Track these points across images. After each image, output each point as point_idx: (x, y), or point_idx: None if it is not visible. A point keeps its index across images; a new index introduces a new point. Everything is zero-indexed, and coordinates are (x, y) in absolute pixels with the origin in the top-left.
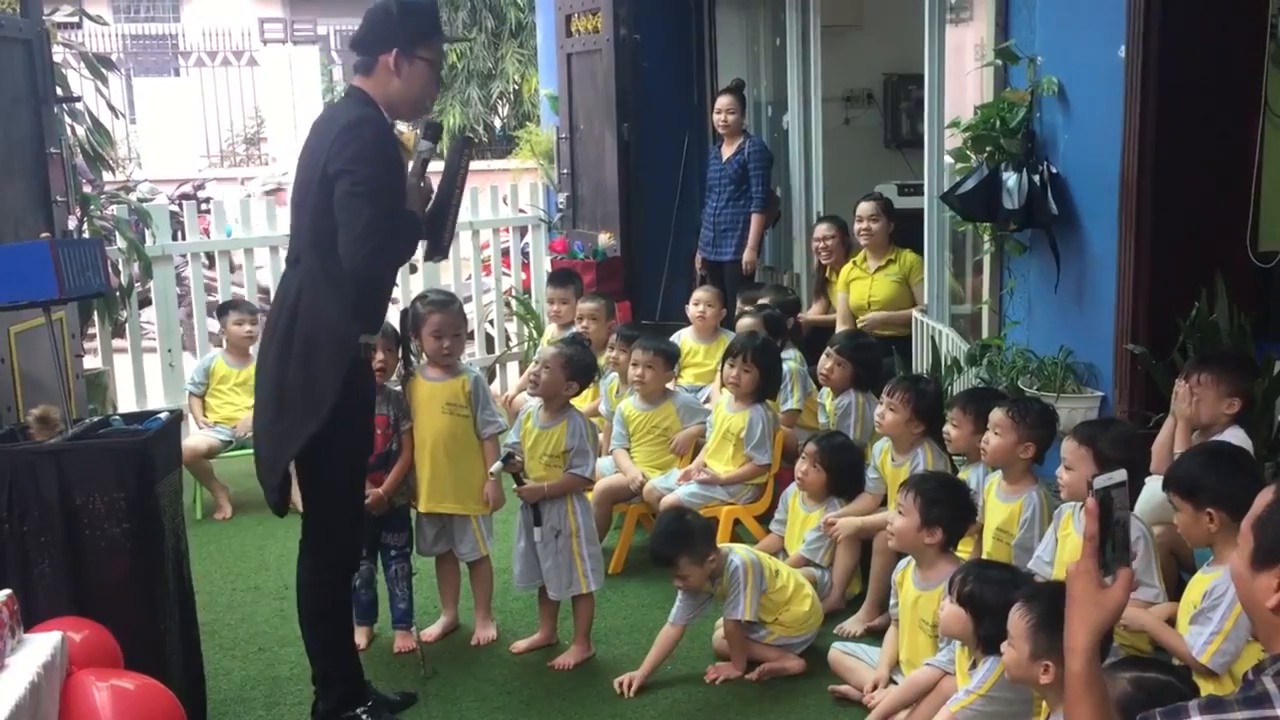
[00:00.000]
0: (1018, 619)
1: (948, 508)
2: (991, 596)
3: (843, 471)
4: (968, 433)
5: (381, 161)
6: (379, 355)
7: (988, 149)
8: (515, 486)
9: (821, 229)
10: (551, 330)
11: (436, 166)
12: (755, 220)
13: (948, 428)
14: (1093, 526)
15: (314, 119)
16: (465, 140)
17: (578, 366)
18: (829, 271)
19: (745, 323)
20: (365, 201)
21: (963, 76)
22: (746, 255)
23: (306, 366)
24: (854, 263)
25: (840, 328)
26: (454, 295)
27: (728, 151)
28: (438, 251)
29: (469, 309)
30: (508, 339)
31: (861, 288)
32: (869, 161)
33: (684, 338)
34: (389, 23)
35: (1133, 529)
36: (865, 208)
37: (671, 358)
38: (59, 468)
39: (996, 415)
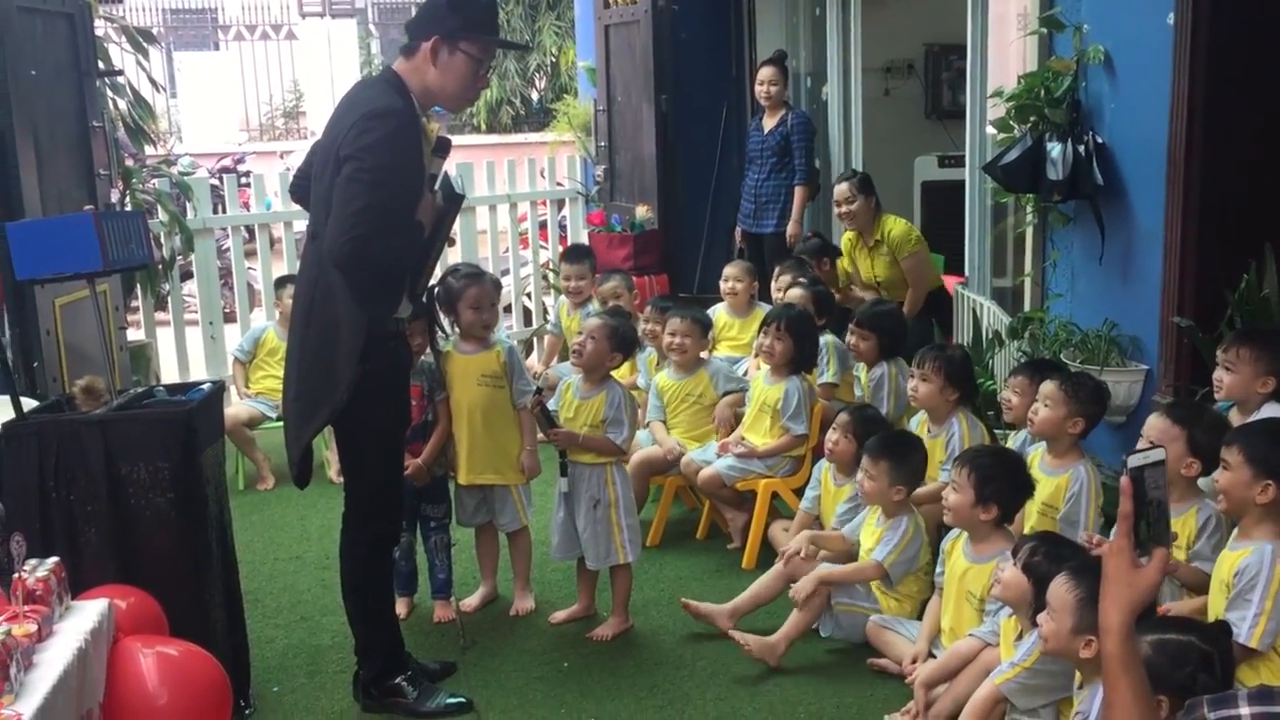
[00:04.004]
0: (1063, 592)
1: (1003, 484)
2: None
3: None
4: (1028, 401)
5: (393, 155)
6: (418, 339)
7: (1031, 119)
8: (549, 430)
9: (842, 190)
10: (566, 306)
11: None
12: (799, 193)
13: (1008, 394)
14: (1127, 505)
15: (345, 92)
16: (459, 196)
17: (622, 338)
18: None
19: (795, 293)
20: (362, 188)
21: (1006, 46)
22: (791, 228)
23: (324, 347)
24: (849, 238)
25: (867, 296)
26: (482, 269)
27: (769, 123)
28: (411, 297)
29: (506, 282)
30: (545, 312)
31: (865, 266)
32: (909, 133)
33: (719, 312)
34: (436, 10)
35: (1204, 510)
36: (839, 190)
37: (706, 326)
38: (104, 438)
39: (1048, 387)
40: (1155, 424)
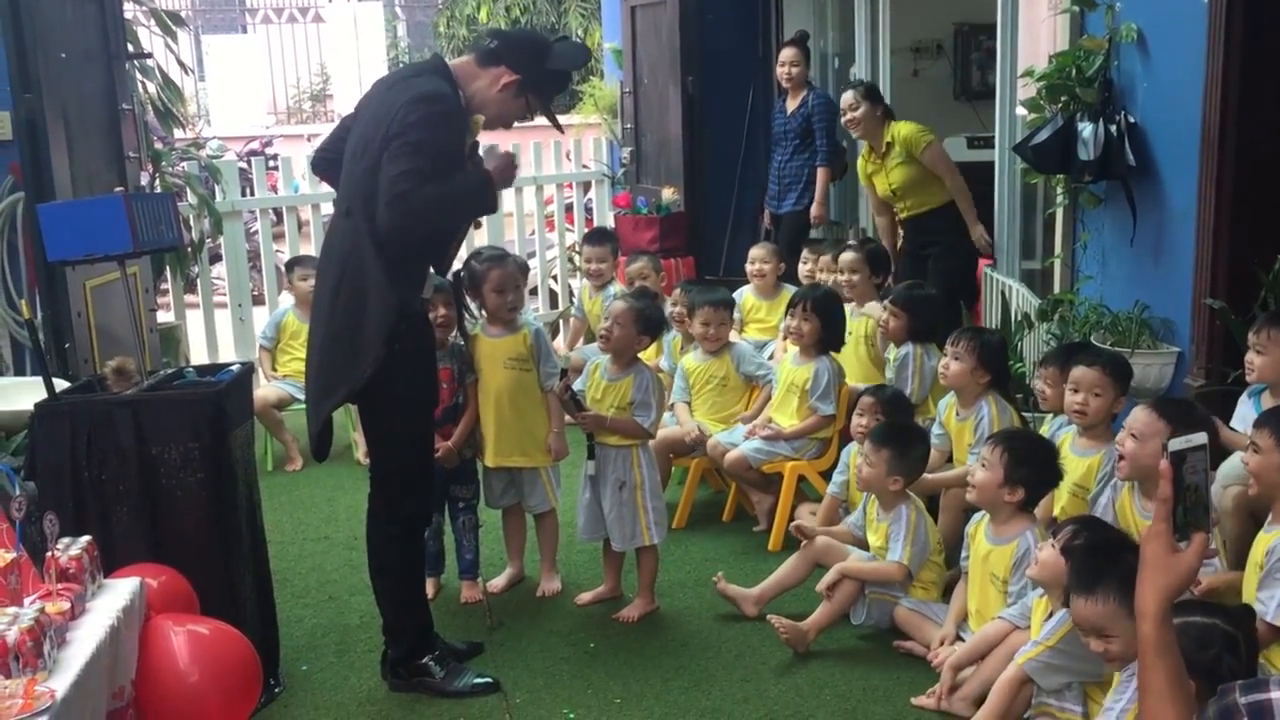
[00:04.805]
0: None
1: (1034, 469)
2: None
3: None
4: (1064, 390)
5: (437, 131)
6: (441, 310)
7: (1063, 99)
8: (577, 413)
9: (847, 98)
10: (588, 289)
11: None
12: (821, 174)
13: (1040, 385)
14: (1167, 489)
15: (386, 75)
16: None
17: (648, 320)
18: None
19: (848, 257)
20: (404, 156)
21: (1036, 25)
22: (814, 209)
23: (350, 326)
24: (864, 156)
25: (879, 220)
26: (506, 251)
27: (792, 105)
28: (440, 270)
29: (532, 265)
30: (571, 295)
31: (880, 180)
32: (938, 114)
33: (746, 294)
34: (534, 59)
35: None
36: (845, 98)
37: (731, 305)
38: (135, 418)
39: (1092, 376)
40: (1140, 416)
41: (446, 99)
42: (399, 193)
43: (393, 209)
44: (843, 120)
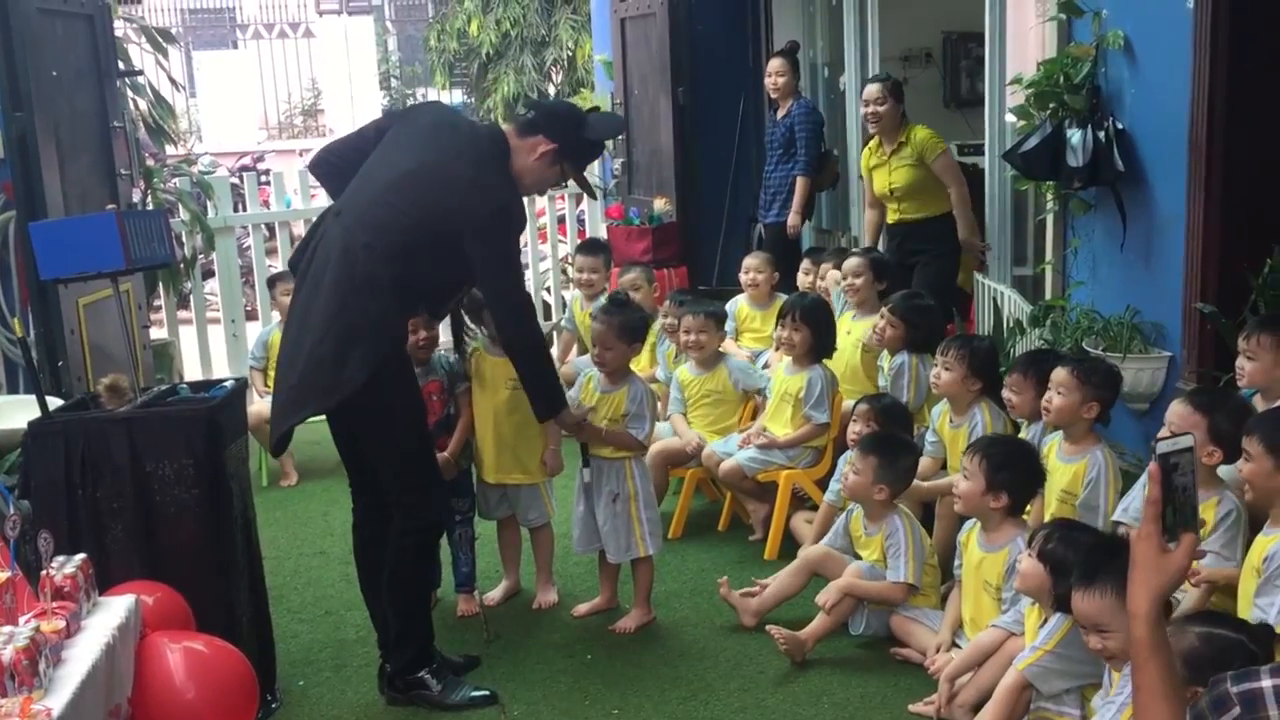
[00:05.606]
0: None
1: (1015, 473)
2: (1075, 557)
3: (898, 429)
4: (1030, 398)
5: (515, 244)
6: (422, 334)
7: (1051, 106)
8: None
9: (872, 90)
10: (579, 300)
11: None
12: (799, 184)
13: (1008, 394)
14: (1155, 491)
15: (437, 110)
16: None
17: (631, 329)
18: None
19: (851, 264)
20: (517, 284)
21: (1025, 32)
22: (790, 219)
23: (339, 351)
24: (870, 149)
25: (868, 214)
26: None
27: (780, 114)
28: (436, 316)
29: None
30: (564, 306)
31: (882, 176)
32: (928, 122)
33: (740, 304)
34: (571, 130)
35: (1225, 503)
36: (870, 90)
37: (721, 319)
38: (129, 435)
39: (1060, 374)
40: (1177, 410)
41: (521, 212)
42: (530, 324)
43: (530, 334)
44: (864, 111)
